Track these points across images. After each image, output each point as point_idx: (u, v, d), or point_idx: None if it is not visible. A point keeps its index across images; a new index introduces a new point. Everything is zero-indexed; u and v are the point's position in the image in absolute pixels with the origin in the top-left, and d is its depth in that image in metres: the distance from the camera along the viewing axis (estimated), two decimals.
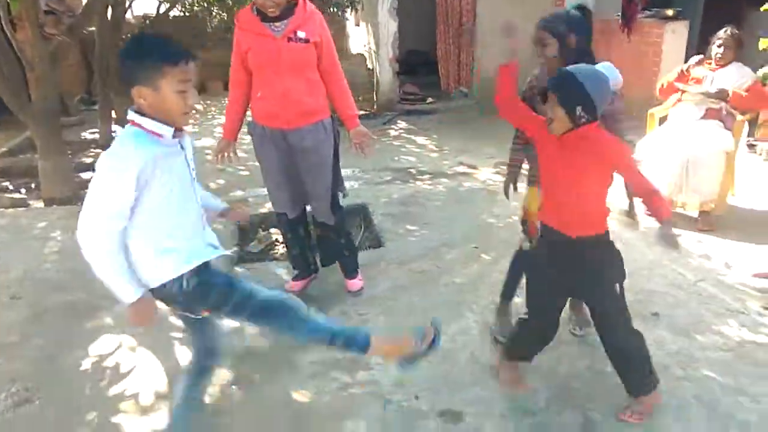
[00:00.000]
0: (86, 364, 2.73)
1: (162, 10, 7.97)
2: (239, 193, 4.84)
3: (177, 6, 8.50)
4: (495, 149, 5.95)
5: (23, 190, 5.29)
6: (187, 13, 9.21)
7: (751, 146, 4.89)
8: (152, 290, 1.80)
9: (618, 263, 2.17)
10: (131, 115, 1.72)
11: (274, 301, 1.94)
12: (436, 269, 3.48)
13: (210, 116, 8.03)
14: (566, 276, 2.17)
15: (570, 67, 2.00)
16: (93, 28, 6.86)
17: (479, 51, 8.03)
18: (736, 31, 3.97)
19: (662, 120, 4.29)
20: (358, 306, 3.11)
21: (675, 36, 5.75)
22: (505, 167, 4.78)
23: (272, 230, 4.13)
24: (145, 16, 9.52)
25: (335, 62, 2.85)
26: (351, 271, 3.25)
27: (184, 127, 1.80)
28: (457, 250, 3.71)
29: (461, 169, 5.43)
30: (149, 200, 1.71)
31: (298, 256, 3.21)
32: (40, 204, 4.90)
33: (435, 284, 3.30)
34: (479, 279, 3.36)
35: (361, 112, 7.72)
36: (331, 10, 3.64)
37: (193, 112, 1.80)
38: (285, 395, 2.46)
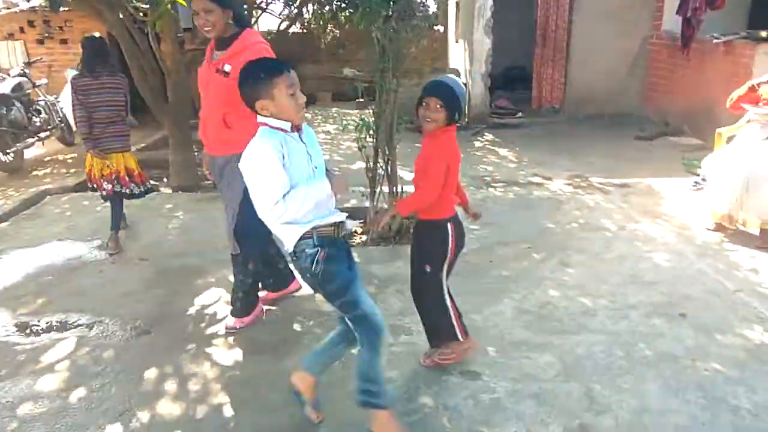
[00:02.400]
0: (191, 311, 3.45)
1: (283, 27, 8.97)
2: None
3: (296, 23, 9.48)
4: (572, 163, 6.21)
5: (156, 180, 6.32)
6: (305, 30, 10.18)
7: None
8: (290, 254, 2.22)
9: (430, 248, 2.61)
10: (259, 119, 2.10)
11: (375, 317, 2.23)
12: (488, 263, 3.87)
13: (316, 123, 8.88)
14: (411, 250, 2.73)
15: (443, 79, 2.50)
16: None
17: (572, 70, 8.25)
18: None
19: (730, 139, 4.37)
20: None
21: (767, 57, 5.66)
22: (579, 179, 5.06)
23: (354, 222, 4.71)
24: (269, 32, 10.66)
25: None
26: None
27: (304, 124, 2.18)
28: (510, 248, 4.08)
29: (535, 179, 5.74)
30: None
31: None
32: (169, 190, 5.87)
33: (484, 275, 3.71)
34: (524, 273, 3.72)
35: None
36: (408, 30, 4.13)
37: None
38: None
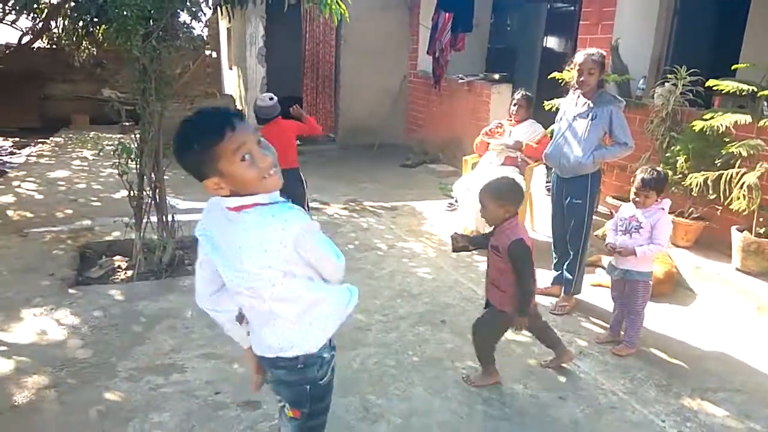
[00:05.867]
0: None
1: (25, 40, 7.88)
2: (87, 222, 4.92)
3: (42, 38, 8.41)
4: (348, 188, 6.53)
5: None
6: (53, 46, 9.10)
7: (549, 190, 5.79)
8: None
9: None
10: (228, 201, 1.50)
11: None
12: None
13: (70, 149, 7.93)
14: None
15: None
16: None
17: (342, 102, 8.72)
18: (528, 94, 4.84)
19: (474, 165, 5.04)
20: (178, 319, 3.37)
21: (500, 95, 6.70)
22: (354, 203, 5.28)
23: (116, 258, 4.28)
24: (7, 46, 9.30)
25: None
26: None
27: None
28: None
29: (314, 204, 5.88)
30: None
31: None
32: None
33: None
34: None
35: None
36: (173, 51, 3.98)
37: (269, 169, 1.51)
38: (97, 396, 2.66)
